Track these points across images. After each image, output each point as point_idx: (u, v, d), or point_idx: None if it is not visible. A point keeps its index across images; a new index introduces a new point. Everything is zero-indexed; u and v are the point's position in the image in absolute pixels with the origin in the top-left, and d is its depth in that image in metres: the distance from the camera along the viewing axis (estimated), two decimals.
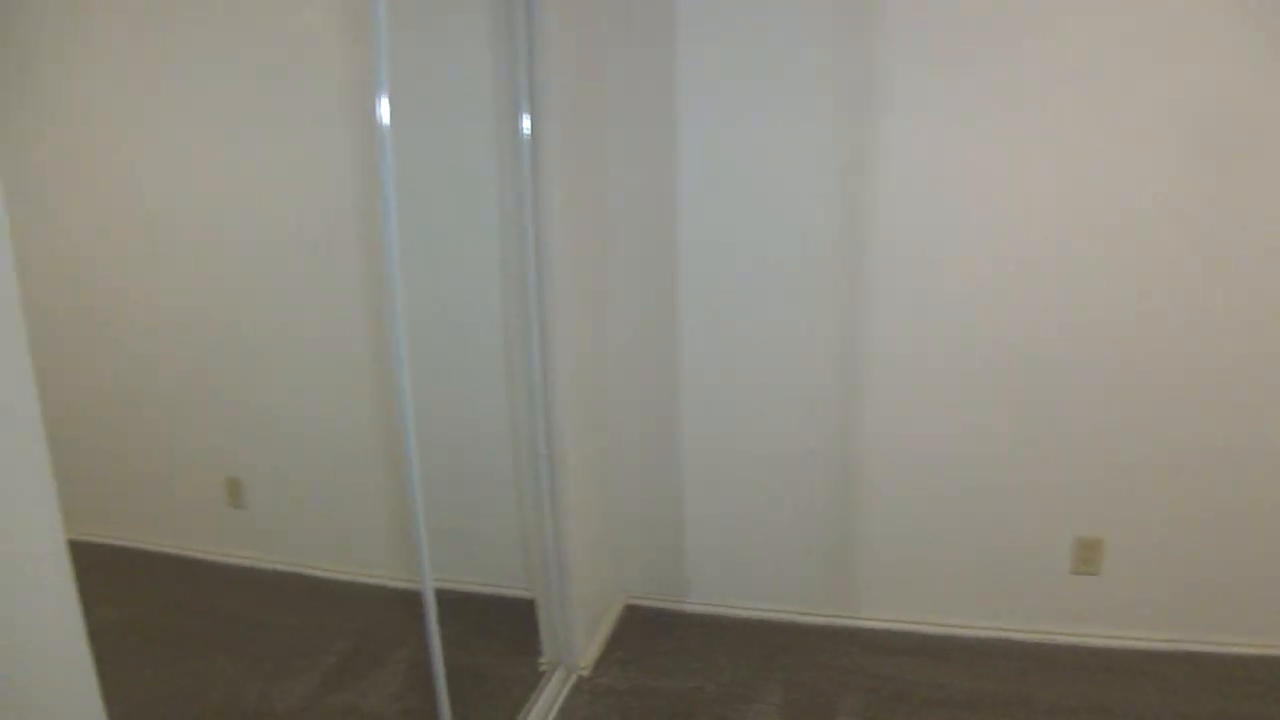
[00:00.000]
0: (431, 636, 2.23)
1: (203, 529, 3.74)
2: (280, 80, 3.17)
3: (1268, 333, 2.63)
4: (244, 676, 2.87)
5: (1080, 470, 2.83)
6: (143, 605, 3.39)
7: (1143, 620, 2.87)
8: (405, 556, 3.35)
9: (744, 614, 3.20)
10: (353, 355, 3.32)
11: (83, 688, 1.19)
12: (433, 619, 2.21)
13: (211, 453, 3.66)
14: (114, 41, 3.35)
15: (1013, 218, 2.70)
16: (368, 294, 3.22)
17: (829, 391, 2.96)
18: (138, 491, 3.80)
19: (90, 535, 3.85)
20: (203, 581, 3.61)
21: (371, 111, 1.81)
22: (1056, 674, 2.78)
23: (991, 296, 2.77)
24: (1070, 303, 2.71)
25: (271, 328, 3.41)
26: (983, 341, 2.81)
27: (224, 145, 3.31)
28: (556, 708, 2.70)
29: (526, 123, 2.49)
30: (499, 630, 3.10)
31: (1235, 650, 2.82)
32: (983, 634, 2.99)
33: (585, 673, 2.86)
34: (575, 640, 2.85)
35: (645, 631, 3.15)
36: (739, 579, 3.22)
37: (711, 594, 3.25)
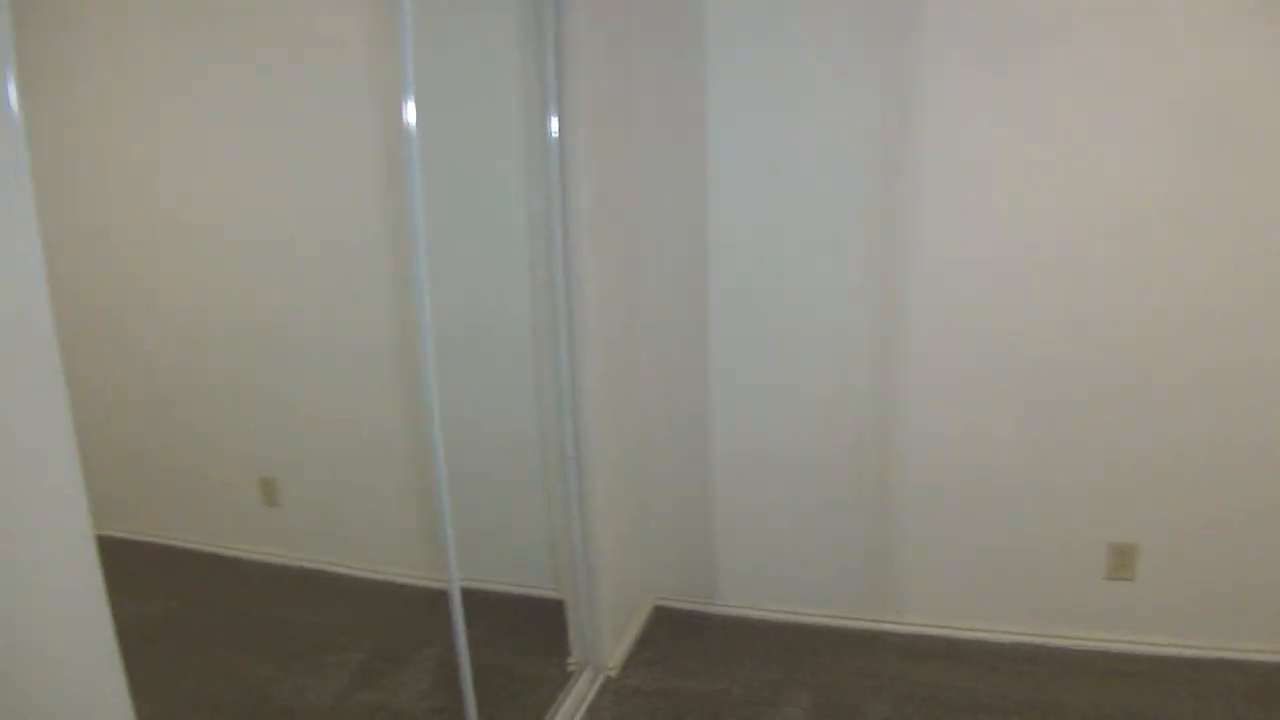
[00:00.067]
0: (458, 636, 2.24)
1: (237, 527, 3.79)
2: (313, 85, 3.20)
3: None
4: (276, 673, 2.91)
5: (1115, 474, 2.79)
6: (178, 602, 3.44)
7: (1178, 626, 2.82)
8: (434, 556, 3.37)
9: (773, 616, 3.19)
10: (383, 356, 3.35)
11: (111, 683, 1.20)
12: (459, 618, 2.22)
13: (246, 452, 3.70)
14: (149, 49, 3.41)
15: (1050, 219, 2.67)
16: (397, 295, 3.24)
17: (862, 394, 2.95)
18: (175, 490, 3.86)
19: (129, 532, 3.91)
20: (237, 579, 3.65)
21: (398, 114, 1.82)
22: (1089, 680, 2.74)
23: (1028, 298, 2.73)
24: (1108, 305, 2.68)
25: (304, 329, 3.45)
26: (1018, 344, 2.77)
27: (256, 149, 3.35)
28: (584, 708, 2.70)
29: (554, 124, 2.50)
30: (527, 630, 3.11)
31: (1274, 658, 2.77)
32: (1015, 639, 2.95)
33: (613, 673, 2.87)
34: (603, 641, 2.85)
35: (673, 633, 3.15)
36: (769, 581, 3.20)
37: (741, 596, 3.24)
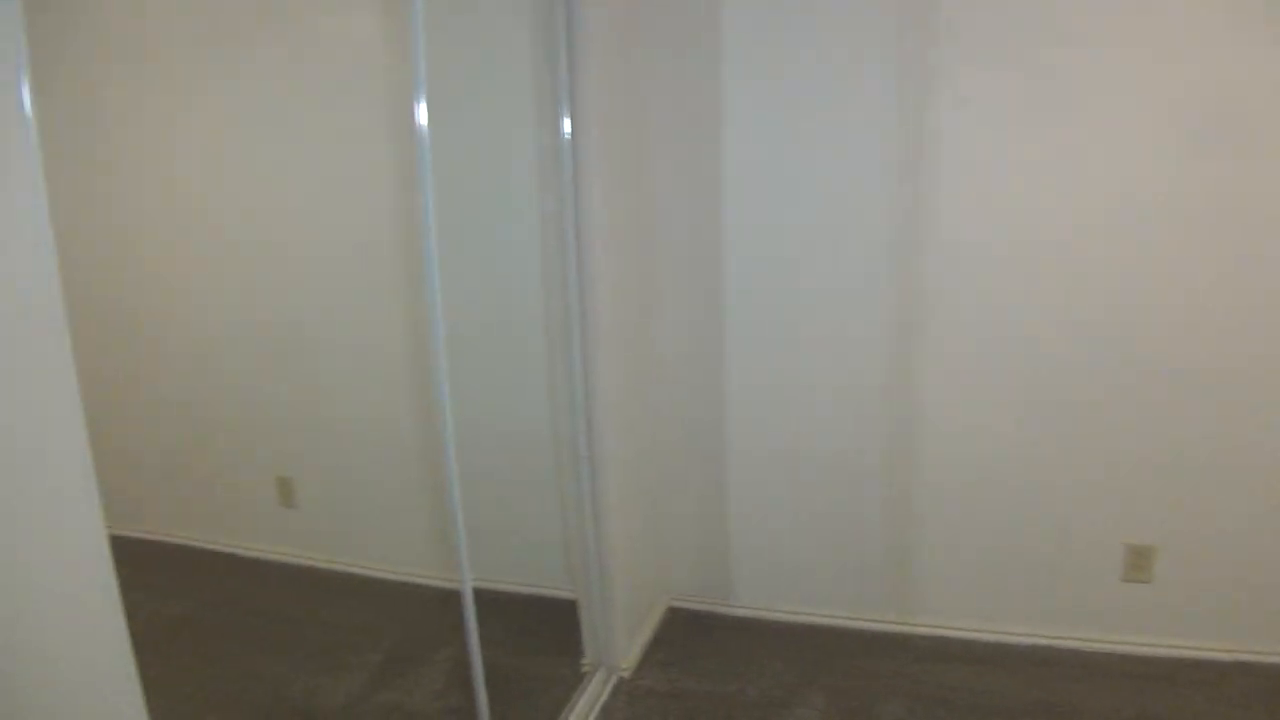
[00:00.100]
0: (470, 636, 2.25)
1: (255, 527, 3.81)
2: (329, 88, 3.22)
3: None
4: (292, 673, 2.92)
5: (1132, 475, 2.77)
6: (196, 601, 3.46)
7: (1196, 629, 2.80)
8: (448, 556, 3.38)
9: (788, 617, 3.18)
10: (398, 357, 3.36)
11: (123, 681, 1.21)
12: (471, 618, 2.23)
13: (263, 453, 3.73)
14: (167, 52, 3.44)
15: (1064, 219, 2.66)
16: (412, 296, 3.25)
17: (878, 394, 2.94)
18: (193, 490, 3.89)
19: (147, 532, 3.94)
20: (254, 578, 3.68)
21: (410, 115, 1.83)
22: (1106, 683, 2.72)
23: (1044, 298, 2.72)
24: (1127, 305, 2.66)
25: (320, 331, 3.47)
26: (1037, 344, 2.76)
27: (271, 150, 3.38)
28: (597, 709, 2.70)
29: (567, 124, 2.50)
30: (542, 631, 3.12)
31: None
32: (1031, 641, 2.94)
33: (626, 674, 2.87)
34: (617, 641, 2.85)
35: (688, 633, 3.15)
36: (783, 582, 3.20)
37: (755, 596, 3.24)
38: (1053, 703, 2.63)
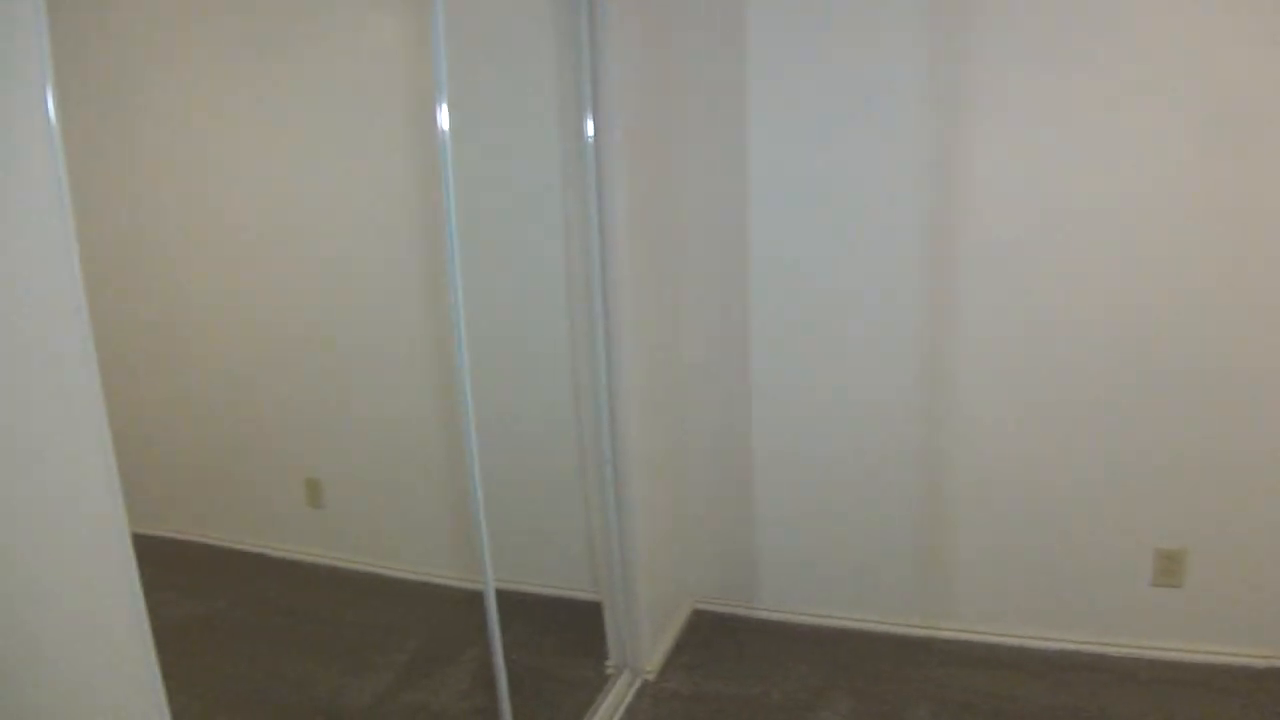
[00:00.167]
0: (493, 637, 2.26)
1: (284, 528, 3.85)
2: (353, 92, 3.25)
3: None
4: (319, 672, 2.95)
5: (1161, 478, 2.74)
6: (225, 600, 3.50)
7: (1228, 635, 2.76)
8: (472, 557, 3.39)
9: (814, 621, 3.17)
10: (424, 359, 3.38)
11: (146, 679, 1.23)
12: (494, 619, 2.24)
13: (292, 454, 3.76)
14: (193, 58, 3.50)
15: (1100, 218, 2.63)
16: (438, 300, 3.27)
17: (907, 397, 2.92)
18: (223, 491, 3.93)
19: (178, 532, 3.99)
20: (283, 579, 3.71)
21: (432, 118, 1.85)
22: (1135, 689, 2.69)
23: (1074, 299, 2.69)
24: (1157, 306, 2.63)
25: (348, 334, 3.50)
26: (1068, 347, 2.73)
27: (296, 154, 3.42)
28: (621, 711, 2.71)
29: (590, 126, 2.51)
30: (567, 632, 3.13)
31: None
32: (1059, 646, 2.90)
33: (650, 676, 2.87)
34: (641, 644, 2.86)
35: (712, 636, 3.14)
36: (809, 585, 3.18)
37: (780, 600, 3.23)
38: (1080, 708, 2.60)
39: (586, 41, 2.45)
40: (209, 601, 3.45)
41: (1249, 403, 2.61)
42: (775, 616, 3.22)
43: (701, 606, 3.33)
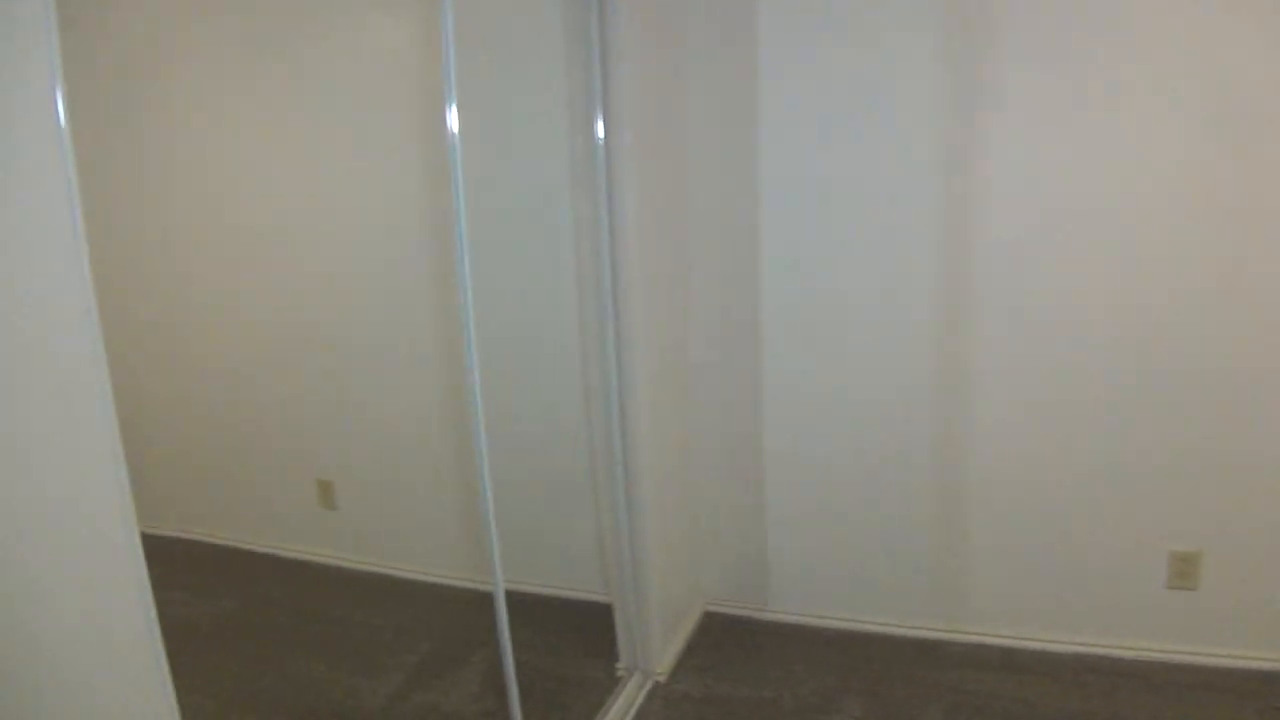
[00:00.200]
0: (502, 638, 2.26)
1: (296, 529, 3.86)
2: (360, 93, 3.26)
3: None
4: (331, 673, 2.96)
5: (1176, 480, 2.71)
6: (237, 601, 3.51)
7: (1244, 638, 2.73)
8: (483, 559, 3.40)
9: (826, 623, 3.15)
10: (435, 361, 3.39)
11: (156, 678, 1.23)
12: (504, 620, 2.24)
13: (304, 455, 3.77)
14: (203, 61, 3.51)
15: (1113, 217, 2.61)
16: (449, 301, 3.28)
17: (920, 399, 2.91)
18: (236, 492, 3.94)
19: (191, 533, 4.00)
20: (295, 579, 3.72)
21: (441, 120, 1.85)
22: (1150, 692, 2.67)
23: (1090, 301, 2.67)
24: (1170, 306, 2.61)
25: (359, 335, 3.50)
26: (1081, 348, 2.71)
27: (309, 155, 3.43)
28: (632, 713, 2.70)
29: (600, 127, 2.51)
30: (578, 634, 3.12)
31: None
32: (1073, 649, 2.89)
33: (661, 679, 2.86)
34: (652, 646, 2.85)
35: (724, 639, 3.13)
36: (822, 587, 3.17)
37: (792, 602, 3.21)
38: (1094, 712, 2.59)
39: (596, 41, 2.44)
40: (221, 602, 3.46)
41: (1267, 404, 2.59)
42: (787, 618, 3.21)
43: (713, 608, 3.32)
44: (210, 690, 2.82)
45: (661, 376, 2.88)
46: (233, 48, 3.45)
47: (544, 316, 3.13)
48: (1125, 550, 2.80)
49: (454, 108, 1.85)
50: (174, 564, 3.73)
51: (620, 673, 2.87)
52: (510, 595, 2.28)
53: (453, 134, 1.86)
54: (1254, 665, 2.72)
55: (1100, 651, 2.86)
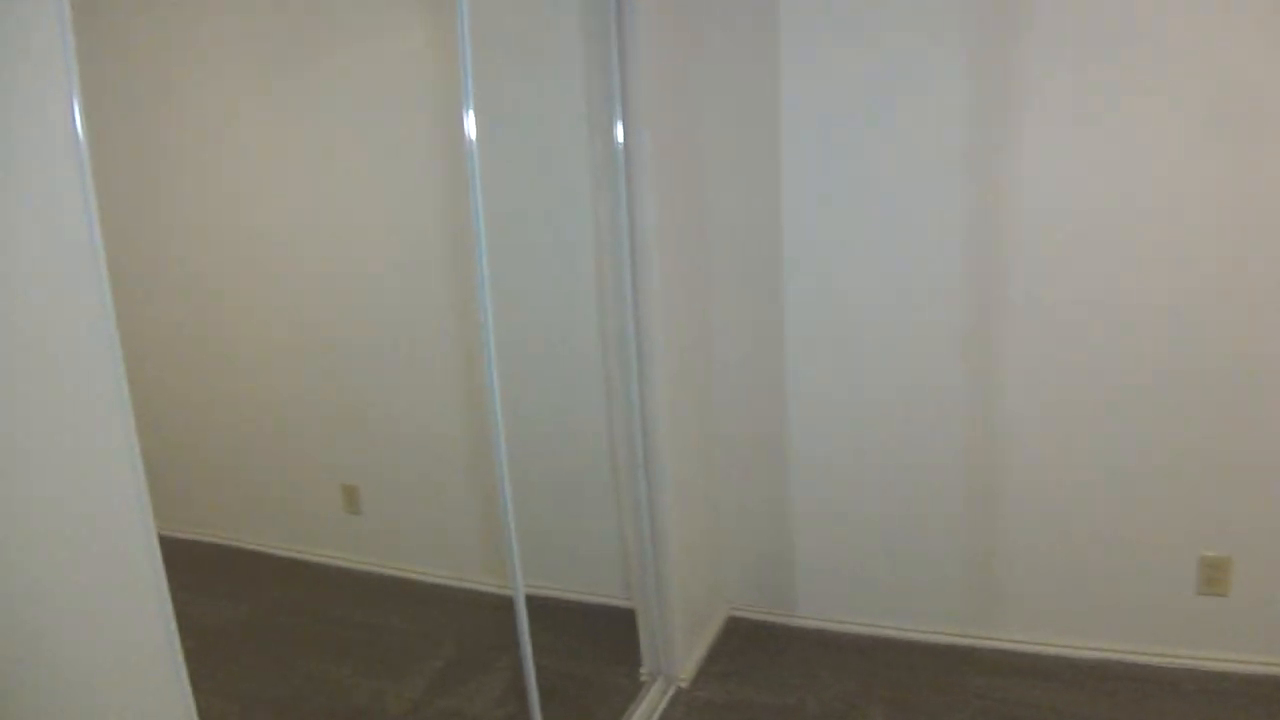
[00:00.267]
0: (523, 642, 2.26)
1: (321, 533, 3.88)
2: (381, 100, 3.28)
3: None
4: (355, 678, 2.96)
5: (1206, 485, 2.67)
6: (262, 605, 3.53)
7: (1275, 645, 2.69)
8: (506, 563, 3.40)
9: (852, 629, 3.13)
10: (458, 366, 3.40)
11: (174, 681, 1.23)
12: (524, 625, 2.24)
13: (329, 460, 3.79)
14: (221, 69, 3.55)
15: (1150, 219, 2.57)
16: (469, 307, 3.28)
17: (949, 405, 2.88)
18: (262, 496, 3.97)
19: (217, 538, 4.03)
20: (320, 584, 3.74)
21: (459, 126, 1.85)
22: (1179, 699, 2.63)
23: (1120, 303, 2.64)
24: (1202, 309, 2.57)
25: (384, 341, 3.52)
26: (1104, 353, 2.68)
27: (333, 163, 3.44)
28: (655, 719, 2.69)
29: (620, 130, 2.50)
30: (600, 639, 3.12)
31: None
32: (1102, 656, 2.85)
33: (684, 684, 2.85)
34: (675, 651, 2.84)
35: (747, 644, 3.12)
36: (846, 593, 3.15)
37: (817, 607, 3.19)
38: (1121, 719, 2.55)
39: (615, 44, 2.44)
40: (246, 606, 3.48)
41: None
42: (811, 624, 3.19)
43: (736, 613, 3.30)
44: (233, 694, 2.84)
45: (683, 378, 2.87)
46: (252, 53, 3.48)
47: (564, 320, 3.13)
48: (1155, 556, 2.76)
49: (471, 113, 1.85)
50: (199, 568, 3.76)
51: (643, 678, 2.86)
52: (533, 600, 2.28)
53: (471, 140, 1.86)
54: None
55: (1129, 658, 2.82)
